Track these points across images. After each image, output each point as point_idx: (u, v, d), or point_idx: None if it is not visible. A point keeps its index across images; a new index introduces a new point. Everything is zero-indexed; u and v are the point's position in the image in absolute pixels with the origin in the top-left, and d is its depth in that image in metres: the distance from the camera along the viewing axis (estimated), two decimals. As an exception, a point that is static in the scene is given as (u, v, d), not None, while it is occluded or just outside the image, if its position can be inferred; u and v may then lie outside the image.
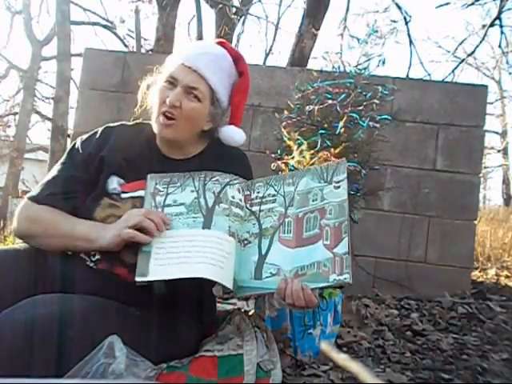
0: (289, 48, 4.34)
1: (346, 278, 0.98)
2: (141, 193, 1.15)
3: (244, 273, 1.06)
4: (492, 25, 5.13)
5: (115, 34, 7.57)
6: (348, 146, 1.47)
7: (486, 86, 2.72)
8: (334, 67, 1.62)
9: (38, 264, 1.12)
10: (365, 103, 1.51)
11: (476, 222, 2.62)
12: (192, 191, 1.15)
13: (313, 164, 1.42)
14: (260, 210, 1.13)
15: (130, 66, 2.75)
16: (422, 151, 2.62)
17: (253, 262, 1.07)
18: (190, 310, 1.10)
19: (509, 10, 5.18)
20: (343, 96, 1.50)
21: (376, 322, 1.90)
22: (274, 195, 1.14)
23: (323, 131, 1.49)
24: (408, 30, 4.94)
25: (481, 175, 2.68)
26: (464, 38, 14.50)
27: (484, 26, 5.50)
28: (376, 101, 1.52)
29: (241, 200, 1.14)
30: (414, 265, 2.57)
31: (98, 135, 1.22)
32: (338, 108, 1.49)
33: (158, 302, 1.06)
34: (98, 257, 1.09)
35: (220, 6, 4.77)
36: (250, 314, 1.38)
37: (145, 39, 7.04)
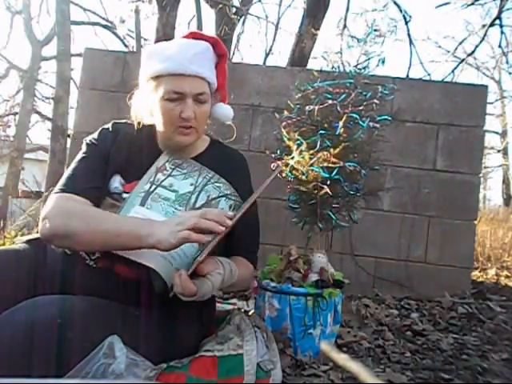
0: (289, 48, 4.35)
1: None
2: None
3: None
4: (492, 25, 5.13)
5: (115, 34, 7.57)
6: (348, 146, 1.47)
7: (486, 86, 2.72)
8: (333, 67, 1.62)
9: (38, 264, 1.12)
10: (365, 103, 1.51)
11: (476, 222, 2.62)
12: (191, 184, 1.15)
13: (312, 164, 1.42)
14: None
15: (130, 66, 2.75)
16: (422, 151, 2.62)
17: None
18: (189, 309, 1.10)
19: (509, 9, 5.18)
20: (343, 96, 1.50)
21: (376, 321, 1.90)
22: None
23: (323, 131, 1.49)
24: (408, 30, 4.94)
25: (481, 175, 2.67)
26: (464, 37, 14.50)
27: (484, 26, 5.49)
28: (376, 101, 1.52)
29: None
30: (414, 265, 2.57)
31: (110, 129, 1.22)
32: (338, 108, 1.49)
33: (158, 301, 1.06)
34: (97, 255, 1.09)
35: (220, 5, 4.76)
36: (250, 314, 1.38)
37: (145, 39, 7.05)
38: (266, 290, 1.47)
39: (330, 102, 1.50)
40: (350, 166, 1.47)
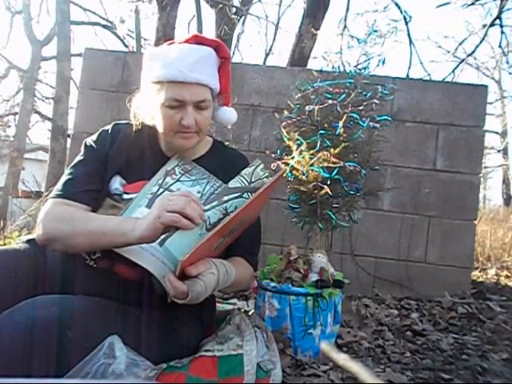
0: (289, 48, 4.35)
1: None
2: None
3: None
4: (492, 25, 5.12)
5: (115, 34, 7.57)
6: (348, 146, 1.47)
7: (486, 86, 2.72)
8: (333, 67, 1.62)
9: (38, 264, 1.12)
10: (365, 103, 1.51)
11: (476, 222, 2.62)
12: (198, 192, 1.16)
13: (312, 164, 1.42)
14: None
15: (130, 66, 2.75)
16: (422, 151, 2.62)
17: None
18: (189, 309, 1.10)
19: (509, 10, 5.18)
20: (343, 96, 1.50)
21: (376, 321, 1.90)
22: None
23: (323, 131, 1.49)
24: (408, 30, 4.94)
25: (481, 175, 2.68)
26: (464, 38, 14.53)
27: (484, 26, 5.49)
28: (376, 101, 1.52)
29: None
30: (414, 265, 2.57)
31: (109, 131, 1.23)
32: (338, 108, 1.49)
33: (158, 301, 1.06)
34: (98, 255, 1.09)
35: (220, 5, 4.76)
36: (250, 313, 1.38)
37: (145, 39, 7.06)
38: (266, 289, 1.47)
39: (330, 101, 1.50)
40: (349, 165, 1.47)
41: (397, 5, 4.95)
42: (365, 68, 1.58)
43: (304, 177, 1.44)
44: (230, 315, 1.29)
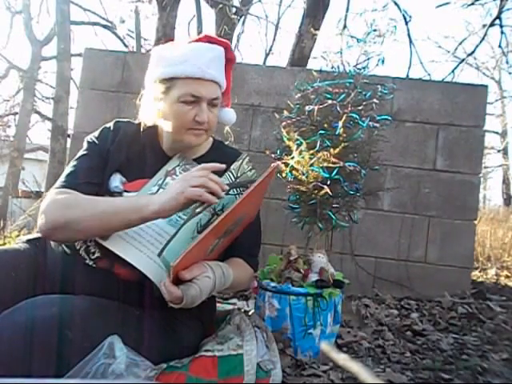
0: (289, 48, 4.34)
1: None
2: None
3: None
4: (492, 25, 5.12)
5: (115, 33, 7.57)
6: (348, 146, 1.47)
7: (486, 86, 2.72)
8: (333, 67, 1.62)
9: (38, 264, 1.12)
10: (364, 103, 1.51)
11: (476, 222, 2.62)
12: None
13: (312, 164, 1.42)
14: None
15: (130, 66, 2.75)
16: (422, 151, 2.62)
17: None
18: (189, 310, 1.10)
19: (509, 9, 5.18)
20: (343, 96, 1.50)
21: (376, 321, 1.90)
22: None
23: (323, 131, 1.49)
24: (408, 30, 4.93)
25: (481, 175, 2.68)
26: (464, 37, 14.52)
27: (484, 26, 5.50)
28: (376, 100, 1.52)
29: None
30: (414, 265, 2.57)
31: (111, 128, 1.23)
32: (338, 108, 1.49)
33: (158, 301, 1.06)
34: (97, 255, 1.09)
35: (220, 5, 4.76)
36: (250, 313, 1.38)
37: (145, 39, 7.06)
38: (266, 290, 1.47)
39: (330, 101, 1.50)
40: (349, 165, 1.47)
41: (396, 4, 4.95)
42: (364, 68, 1.58)
43: (304, 177, 1.44)
44: (230, 315, 1.29)
